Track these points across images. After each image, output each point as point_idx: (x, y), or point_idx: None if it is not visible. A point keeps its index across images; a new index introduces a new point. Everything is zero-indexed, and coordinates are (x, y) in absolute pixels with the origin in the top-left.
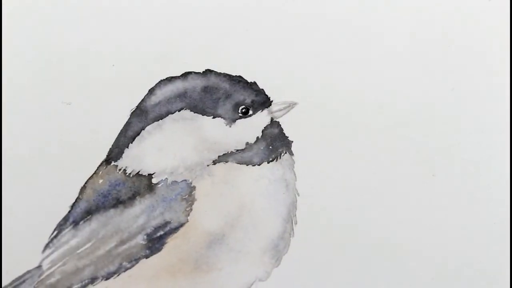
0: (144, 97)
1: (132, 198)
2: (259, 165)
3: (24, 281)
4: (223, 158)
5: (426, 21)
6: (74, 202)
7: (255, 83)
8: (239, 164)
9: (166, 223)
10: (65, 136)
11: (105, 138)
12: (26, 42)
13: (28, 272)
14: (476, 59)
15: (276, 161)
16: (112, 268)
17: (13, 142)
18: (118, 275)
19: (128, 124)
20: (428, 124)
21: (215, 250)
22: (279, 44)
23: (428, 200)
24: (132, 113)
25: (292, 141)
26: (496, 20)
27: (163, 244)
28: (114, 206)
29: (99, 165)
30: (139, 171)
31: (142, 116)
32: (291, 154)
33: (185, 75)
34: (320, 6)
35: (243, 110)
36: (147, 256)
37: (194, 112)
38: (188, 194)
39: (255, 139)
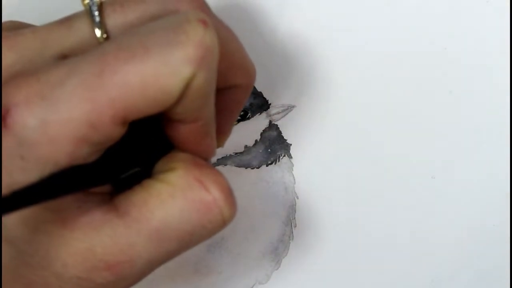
0: None
1: None
2: (258, 168)
3: None
4: (221, 161)
5: (423, 23)
6: None
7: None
8: (238, 167)
9: None
10: None
11: None
12: None
13: None
14: (474, 61)
15: (275, 164)
16: None
17: None
18: None
19: None
20: (426, 126)
21: (214, 254)
22: (277, 46)
23: (427, 202)
24: None
25: (291, 144)
26: (494, 21)
27: None
28: None
29: None
30: None
31: None
32: (290, 157)
33: None
34: (317, 8)
35: (241, 113)
36: None
37: None
38: None
39: (254, 142)
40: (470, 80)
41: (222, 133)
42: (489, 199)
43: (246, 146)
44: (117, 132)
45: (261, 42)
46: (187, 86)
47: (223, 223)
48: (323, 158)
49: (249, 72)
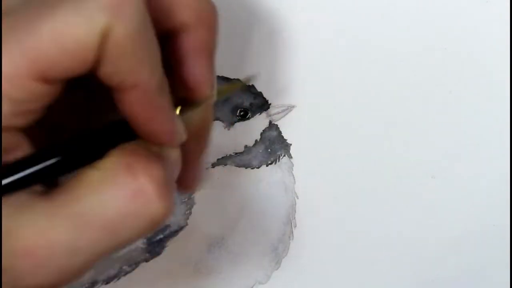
0: None
1: None
2: (258, 168)
3: None
4: (222, 161)
5: (424, 23)
6: None
7: (253, 86)
8: (238, 167)
9: (166, 226)
10: None
11: None
12: None
13: None
14: (474, 61)
15: (275, 164)
16: (112, 272)
17: None
18: (118, 279)
19: None
20: (426, 126)
21: (214, 254)
22: (278, 46)
23: (427, 202)
24: None
25: (291, 144)
26: (494, 21)
27: (163, 247)
28: None
29: None
30: None
31: None
32: (290, 157)
33: None
34: (319, 9)
35: (241, 113)
36: (147, 260)
37: None
38: (188, 198)
39: (254, 142)
40: (470, 80)
41: (203, 83)
42: (489, 199)
43: (246, 146)
44: (41, 90)
45: (261, 42)
46: (104, 38)
47: (155, 215)
48: (323, 158)
49: (198, 6)
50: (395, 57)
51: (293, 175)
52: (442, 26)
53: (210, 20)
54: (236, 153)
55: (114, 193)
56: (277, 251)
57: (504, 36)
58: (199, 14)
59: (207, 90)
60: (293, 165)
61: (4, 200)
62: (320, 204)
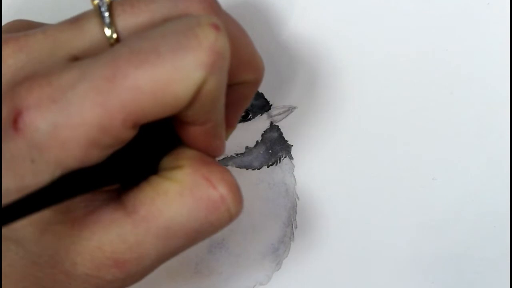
0: None
1: None
2: (259, 169)
3: None
4: (222, 162)
5: (425, 25)
6: None
7: None
8: (239, 168)
9: None
10: None
11: None
12: None
13: None
14: (475, 62)
15: (276, 165)
16: None
17: None
18: None
19: None
20: (427, 127)
21: (215, 254)
22: (279, 47)
23: (428, 203)
24: None
25: (292, 145)
26: (495, 23)
27: None
28: None
29: None
30: None
31: None
32: (291, 158)
33: None
34: (319, 10)
35: (242, 114)
36: None
37: None
38: None
39: (255, 143)
40: (471, 81)
41: (228, 127)
42: (490, 200)
43: (247, 147)
44: (128, 135)
45: (262, 43)
46: (198, 91)
47: (230, 219)
48: (324, 159)
49: (258, 68)
50: (397, 59)
51: (294, 176)
52: (443, 28)
53: (261, 80)
54: (237, 154)
55: (196, 205)
56: (278, 252)
57: (504, 38)
58: (257, 76)
59: (228, 134)
60: (294, 166)
61: (88, 218)
62: (321, 205)
